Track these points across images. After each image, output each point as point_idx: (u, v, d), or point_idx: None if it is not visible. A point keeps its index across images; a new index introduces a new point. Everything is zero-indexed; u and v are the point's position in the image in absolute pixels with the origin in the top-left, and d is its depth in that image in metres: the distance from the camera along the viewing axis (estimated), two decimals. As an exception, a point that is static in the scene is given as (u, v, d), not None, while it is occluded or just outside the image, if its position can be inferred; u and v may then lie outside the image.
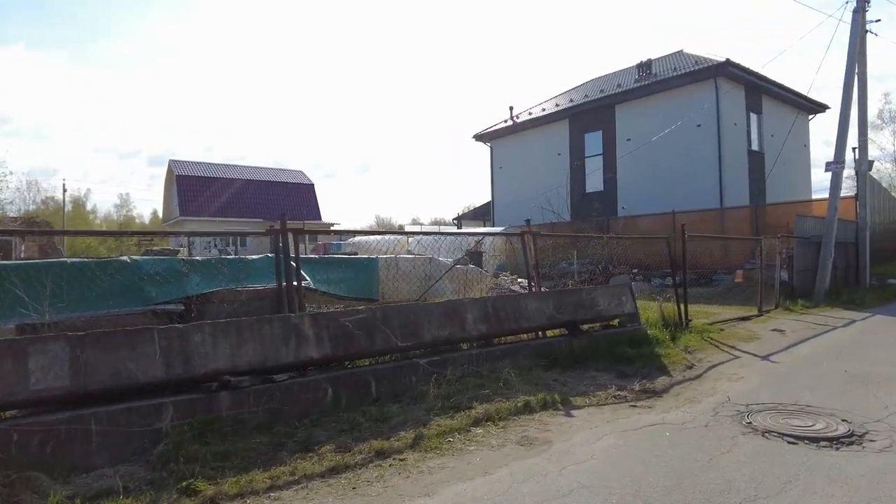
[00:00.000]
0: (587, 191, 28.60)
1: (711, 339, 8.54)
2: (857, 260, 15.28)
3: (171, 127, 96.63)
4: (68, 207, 56.63)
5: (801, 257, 13.30)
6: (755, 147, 24.72)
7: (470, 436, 4.33)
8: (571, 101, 29.89)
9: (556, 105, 30.88)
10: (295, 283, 5.64)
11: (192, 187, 37.02)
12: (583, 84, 32.61)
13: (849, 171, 17.24)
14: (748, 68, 23.06)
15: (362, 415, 4.74)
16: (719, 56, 23.33)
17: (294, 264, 5.78)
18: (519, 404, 4.97)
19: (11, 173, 42.02)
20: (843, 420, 4.45)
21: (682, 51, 27.82)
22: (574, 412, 4.94)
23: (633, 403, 5.33)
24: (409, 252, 19.53)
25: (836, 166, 13.24)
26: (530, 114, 32.49)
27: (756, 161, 24.51)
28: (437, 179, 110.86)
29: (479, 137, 35.13)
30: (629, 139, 26.21)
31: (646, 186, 25.45)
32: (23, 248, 28.37)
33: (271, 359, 4.86)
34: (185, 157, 40.51)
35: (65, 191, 49.68)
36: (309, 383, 4.93)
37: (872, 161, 14.66)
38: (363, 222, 70.17)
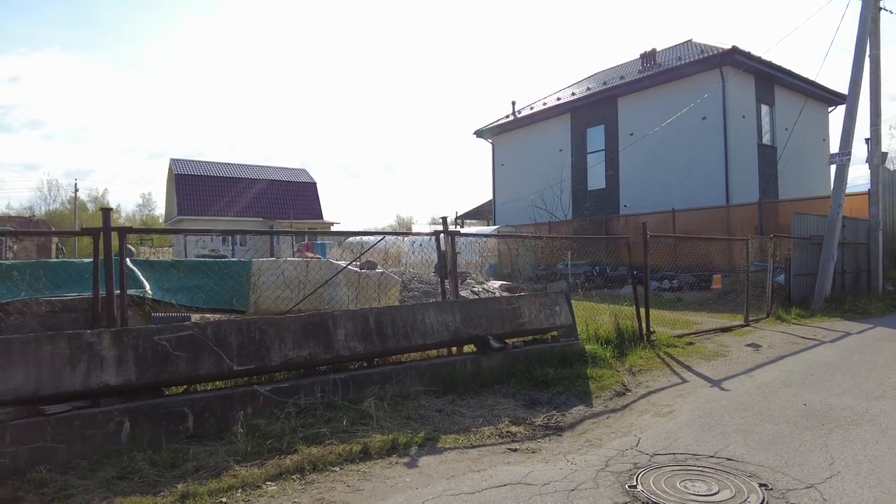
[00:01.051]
0: (589, 188, 27.27)
1: (669, 356, 7.34)
2: (869, 263, 13.74)
3: (197, 128, 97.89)
4: (91, 207, 57.55)
5: (800, 260, 11.88)
6: (766, 141, 23.07)
7: (256, 494, 3.30)
8: (573, 94, 28.54)
9: (558, 99, 29.55)
10: (118, 292, 4.69)
11: (190, 186, 36.73)
12: (587, 78, 31.18)
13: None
14: (758, 56, 21.43)
15: (150, 460, 3.76)
16: (726, 44, 21.78)
17: (135, 268, 4.84)
18: (356, 448, 3.93)
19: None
20: (763, 485, 3.29)
21: (690, 40, 26.26)
22: (423, 459, 3.87)
23: (516, 446, 4.23)
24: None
25: (840, 158, 11.80)
26: (532, 108, 31.22)
27: (767, 156, 22.86)
28: (457, 177, 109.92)
29: (480, 134, 33.96)
30: (632, 134, 24.80)
31: (649, 184, 24.02)
32: (14, 247, 28.27)
33: (48, 386, 3.91)
34: (187, 156, 40.18)
35: (76, 191, 50.22)
36: (97, 416, 3.96)
37: (886, 153, 13.11)
38: (385, 222, 69.64)
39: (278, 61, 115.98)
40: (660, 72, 23.42)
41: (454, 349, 6.12)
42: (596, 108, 26.57)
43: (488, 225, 35.17)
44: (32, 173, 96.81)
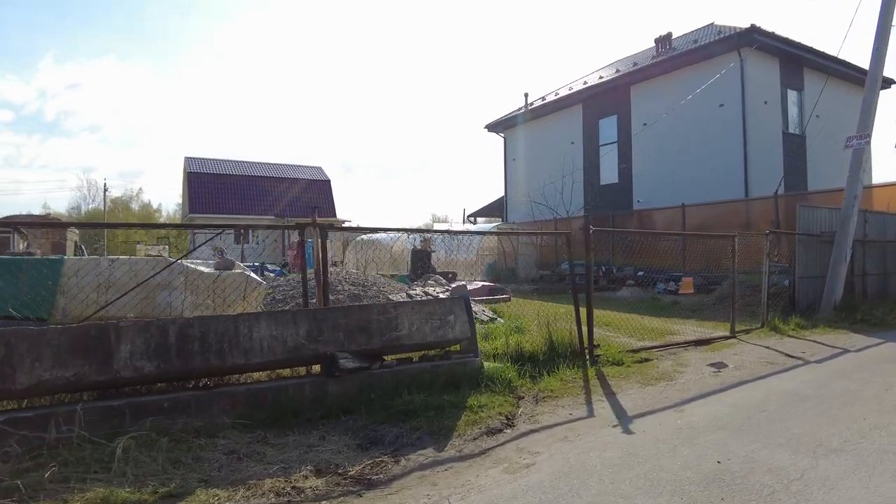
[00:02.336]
0: (602, 183, 25.62)
1: (603, 377, 5.99)
2: (898, 265, 11.86)
3: (239, 129, 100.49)
4: (136, 206, 59.26)
5: (807, 260, 10.19)
6: (793, 129, 20.93)
7: None
8: (586, 83, 26.87)
9: (570, 89, 27.93)
10: None
11: (203, 184, 36.73)
12: (601, 68, 29.40)
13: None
14: (782, 36, 19.43)
15: None
16: (745, 24, 19.80)
17: None
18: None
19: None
20: None
21: (712, 23, 24.20)
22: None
23: (278, 515, 3.08)
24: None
25: (858, 141, 10.06)
26: (544, 100, 29.67)
27: (795, 146, 20.76)
28: (474, 174, 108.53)
29: (492, 127, 32.62)
30: (645, 124, 23.05)
31: (663, 177, 22.23)
32: (24, 244, 28.66)
33: None
34: (202, 155, 40.30)
35: (106, 190, 51.16)
36: None
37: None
38: (419, 220, 69.16)
39: (311, 63, 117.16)
40: (673, 56, 21.61)
41: (303, 370, 4.98)
42: (608, 97, 24.90)
43: (503, 222, 33.80)
44: (90, 175, 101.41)
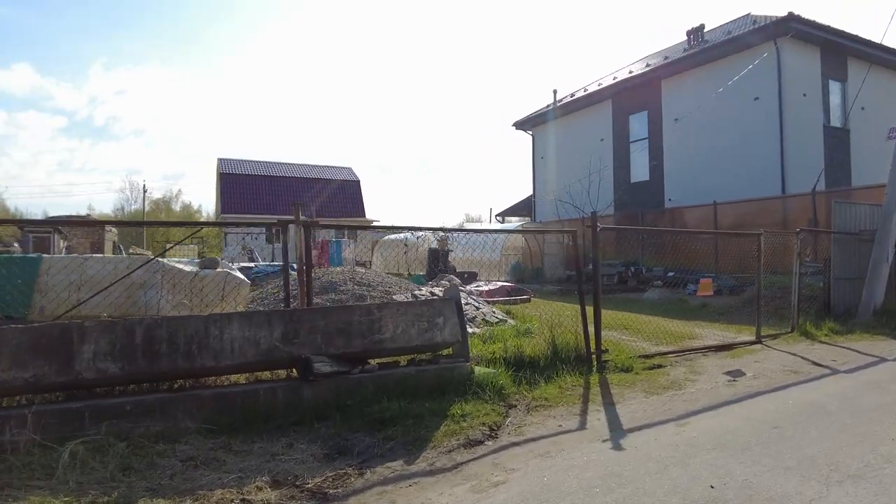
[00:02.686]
0: (632, 181, 24.87)
1: (607, 385, 5.60)
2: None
3: (277, 131, 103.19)
4: (177, 207, 61.39)
5: (844, 261, 9.48)
6: (835, 122, 19.79)
7: None
8: (615, 78, 26.11)
9: (600, 84, 27.21)
10: None
11: (234, 185, 37.41)
12: (631, 64, 28.53)
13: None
14: (824, 24, 18.36)
15: None
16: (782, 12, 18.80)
17: None
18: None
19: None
20: None
21: (748, 14, 23.14)
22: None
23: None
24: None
25: (901, 133, 9.30)
26: (573, 96, 29.00)
27: (837, 139, 19.63)
28: (504, 173, 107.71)
29: (520, 125, 32.12)
30: (676, 119, 22.23)
31: (695, 174, 21.37)
32: (63, 243, 29.70)
33: None
34: (241, 156, 41.05)
35: (145, 192, 52.75)
36: None
37: (972, 127, 10.33)
38: (454, 220, 69.28)
39: (347, 65, 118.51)
40: (706, 48, 20.73)
41: (283, 373, 4.77)
42: (638, 92, 24.13)
43: (531, 221, 33.22)
44: (135, 177, 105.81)
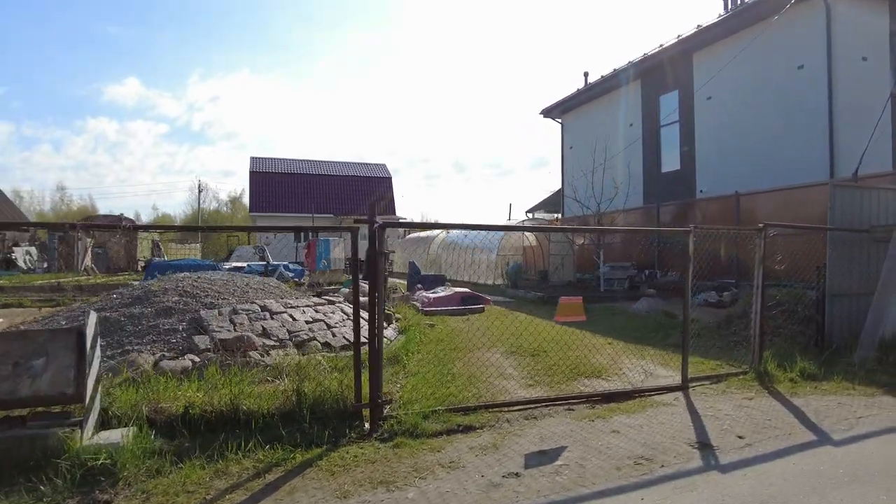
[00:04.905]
0: (663, 170, 21.84)
1: (337, 469, 3.66)
2: None
3: (353, 131, 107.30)
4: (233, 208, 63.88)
5: (846, 269, 6.74)
6: (909, 90, 15.88)
7: None
8: (645, 55, 22.98)
9: (629, 62, 24.12)
10: None
11: (264, 183, 37.39)
12: (662, 41, 25.15)
13: None
14: (888, -32, 14.70)
15: None
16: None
17: None
18: None
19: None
20: None
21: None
22: None
23: None
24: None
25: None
26: (603, 78, 26.03)
27: (910, 112, 15.74)
28: (539, 165, 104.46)
29: (548, 112, 29.52)
30: (709, 97, 19.10)
31: (728, 162, 18.17)
32: (90, 243, 30.60)
33: None
34: (268, 154, 41.18)
35: (200, 191, 54.54)
36: None
37: None
38: (500, 217, 68.02)
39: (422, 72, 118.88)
40: (741, 10, 17.41)
41: None
42: (669, 69, 21.03)
43: (559, 217, 30.56)
44: (229, 179, 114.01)
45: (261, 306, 7.02)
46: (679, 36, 20.95)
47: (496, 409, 4.84)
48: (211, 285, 7.61)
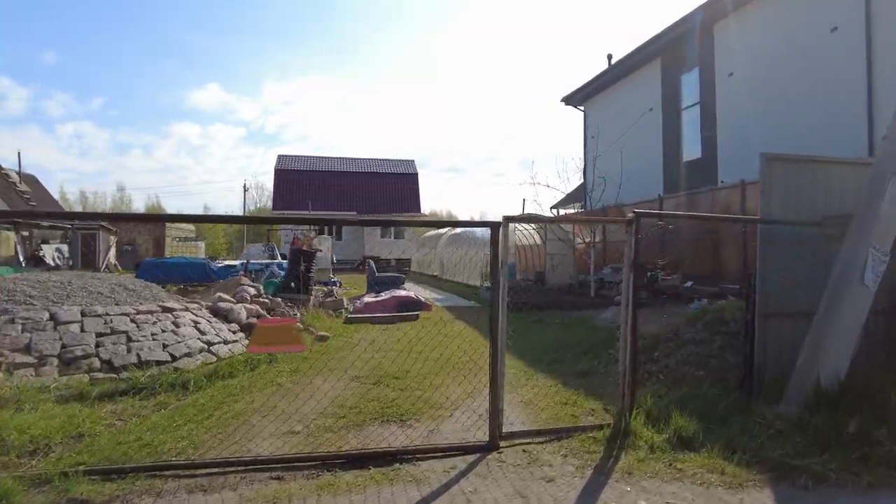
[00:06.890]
0: (684, 159, 19.41)
1: None
2: None
3: (415, 130, 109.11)
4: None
5: (784, 280, 4.75)
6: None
7: None
8: (664, 30, 20.44)
9: (648, 40, 21.60)
10: None
11: (288, 181, 37.24)
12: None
13: None
14: None
15: None
16: None
17: None
18: None
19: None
20: None
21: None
22: None
23: None
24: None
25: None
26: (624, 57, 23.56)
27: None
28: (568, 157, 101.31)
29: (569, 100, 27.35)
30: (731, 74, 16.61)
31: (752, 145, 15.53)
32: (113, 239, 31.32)
33: None
34: (295, 152, 41.12)
35: (245, 190, 55.68)
36: None
37: None
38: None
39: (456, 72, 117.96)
40: (764, -34, 14.84)
41: None
42: (688, 44, 18.56)
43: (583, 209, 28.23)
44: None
45: (51, 314, 5.89)
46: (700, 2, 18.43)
47: (172, 471, 3.41)
48: (33, 287, 6.57)
